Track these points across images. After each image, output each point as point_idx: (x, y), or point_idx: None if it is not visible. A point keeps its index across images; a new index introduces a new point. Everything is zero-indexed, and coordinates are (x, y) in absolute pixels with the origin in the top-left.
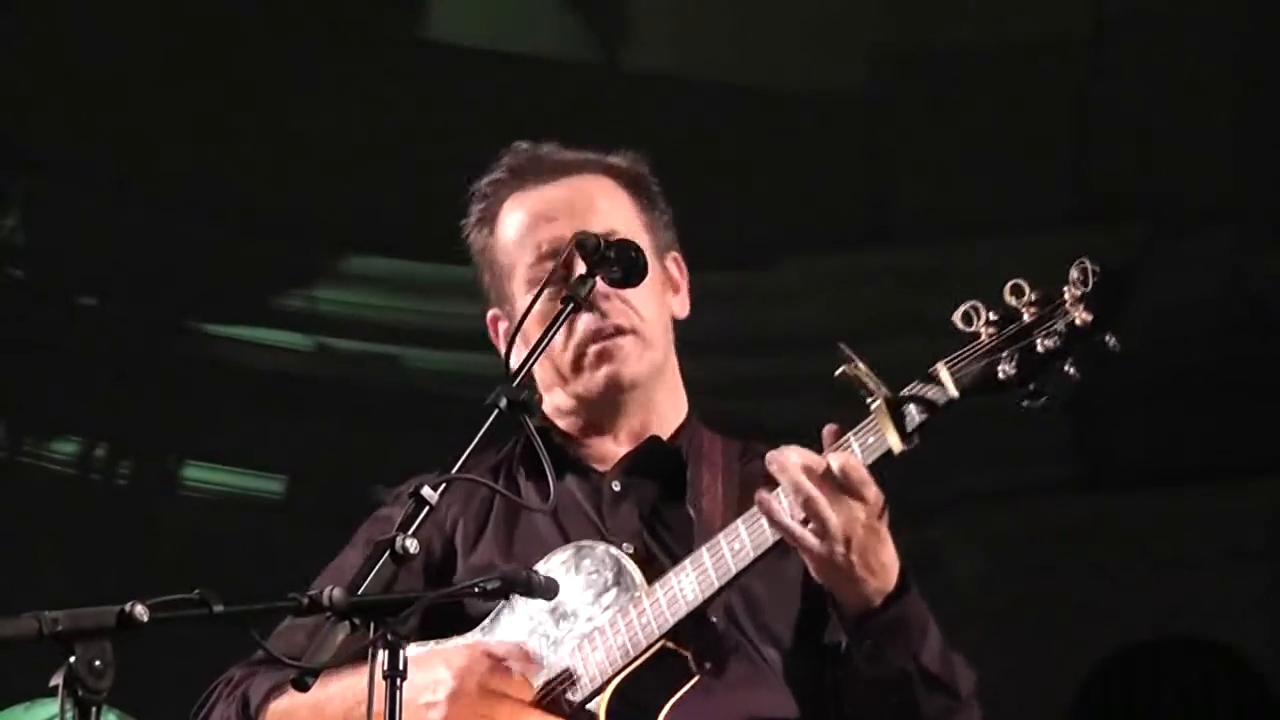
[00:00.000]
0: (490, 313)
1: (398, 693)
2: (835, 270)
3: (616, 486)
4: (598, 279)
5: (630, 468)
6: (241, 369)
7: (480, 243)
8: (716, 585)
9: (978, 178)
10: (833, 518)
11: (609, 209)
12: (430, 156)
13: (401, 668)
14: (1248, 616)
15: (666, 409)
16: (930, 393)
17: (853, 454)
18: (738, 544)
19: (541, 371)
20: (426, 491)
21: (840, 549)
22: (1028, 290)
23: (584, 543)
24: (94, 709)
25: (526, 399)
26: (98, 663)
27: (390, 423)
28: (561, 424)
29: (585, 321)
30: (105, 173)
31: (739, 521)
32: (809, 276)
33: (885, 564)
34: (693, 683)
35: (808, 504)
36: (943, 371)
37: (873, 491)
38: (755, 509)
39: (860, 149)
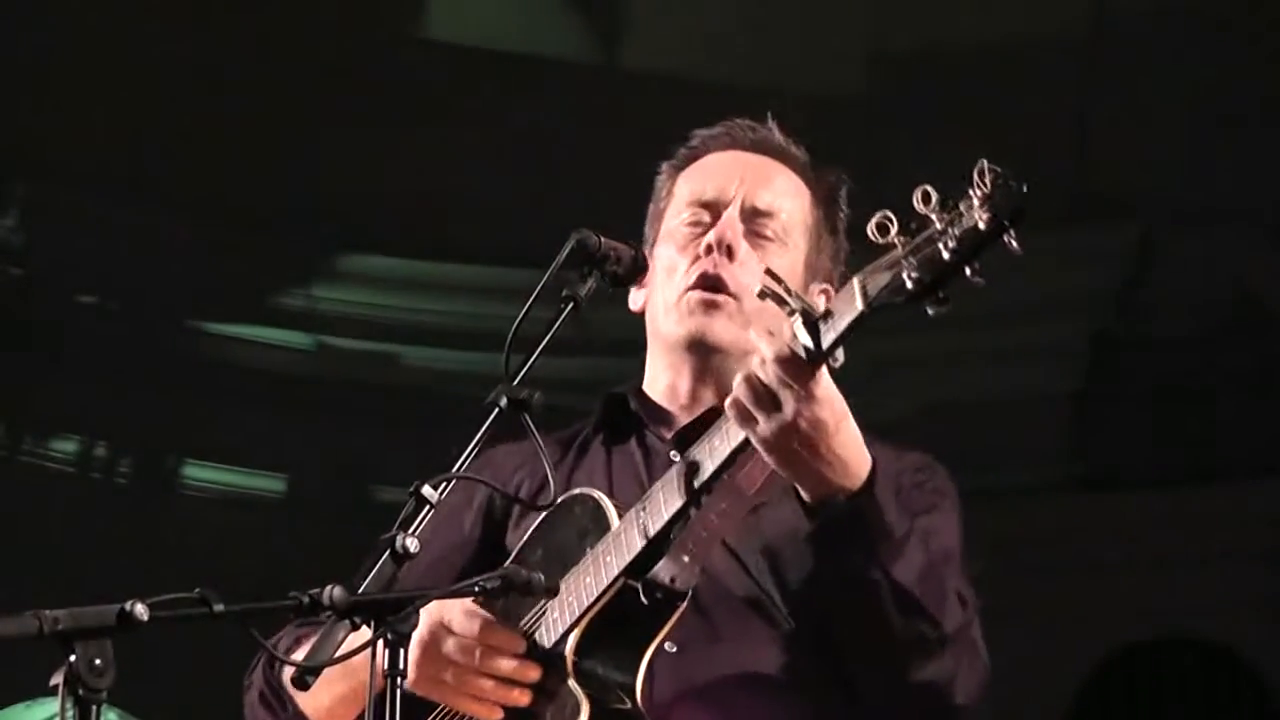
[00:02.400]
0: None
1: (398, 691)
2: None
3: (675, 455)
4: (592, 281)
5: (687, 437)
6: (241, 368)
7: (661, 182)
8: (665, 519)
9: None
10: (765, 404)
11: (783, 194)
12: (430, 156)
13: (402, 666)
14: (1247, 616)
15: None
16: (844, 306)
17: (787, 344)
18: (679, 481)
19: (650, 305)
20: (427, 490)
21: (783, 437)
22: (934, 196)
23: (577, 491)
24: (94, 708)
25: (527, 398)
26: (98, 661)
27: (390, 422)
28: (652, 378)
29: (702, 263)
30: (105, 173)
31: (691, 450)
32: None
33: (844, 457)
34: (678, 614)
35: (747, 385)
36: (855, 284)
37: (814, 382)
38: (700, 443)
39: (860, 149)
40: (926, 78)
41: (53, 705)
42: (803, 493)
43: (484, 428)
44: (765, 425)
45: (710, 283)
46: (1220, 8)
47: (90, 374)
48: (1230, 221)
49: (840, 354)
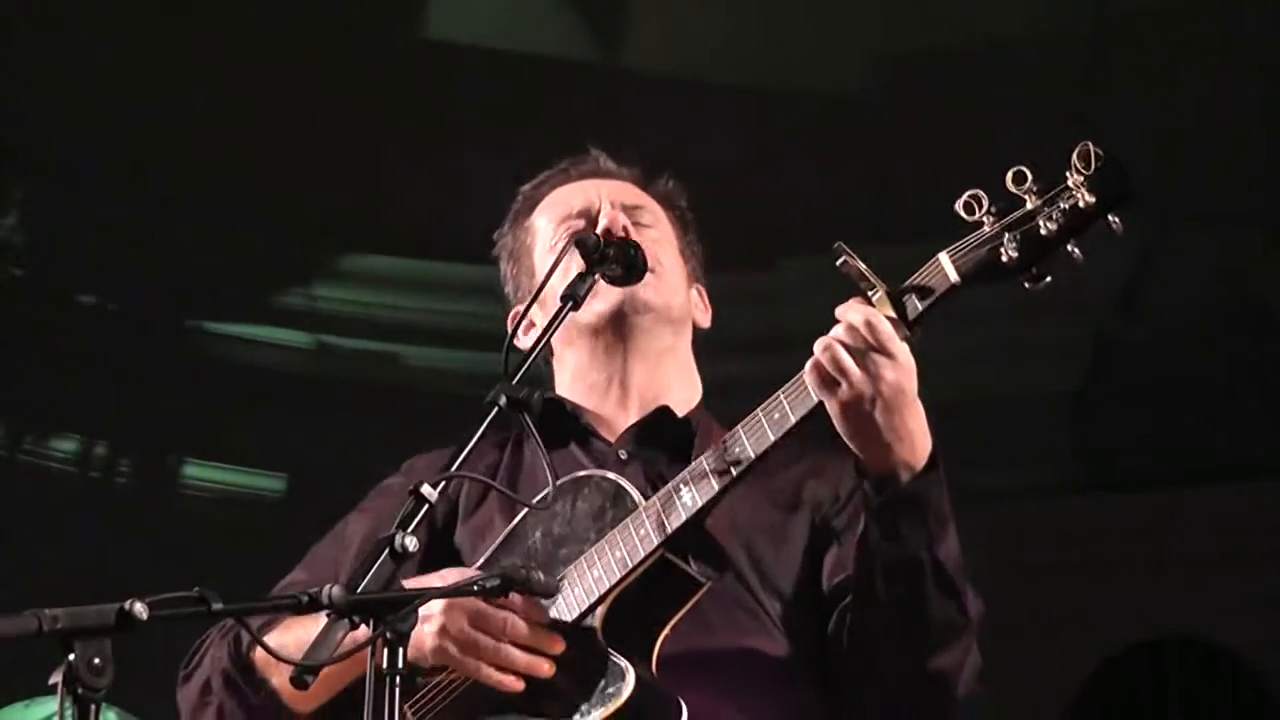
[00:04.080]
0: (512, 311)
1: (397, 691)
2: (835, 270)
3: (623, 455)
4: (597, 277)
5: (638, 437)
6: (241, 367)
7: (509, 237)
8: (716, 489)
9: (978, 178)
10: (853, 368)
11: (639, 196)
12: (430, 156)
13: (401, 665)
14: (1248, 616)
15: (677, 386)
16: (932, 281)
17: (876, 311)
18: (738, 448)
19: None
20: (426, 490)
21: (865, 403)
22: (1030, 177)
23: (581, 473)
24: (93, 707)
25: (526, 397)
26: (97, 660)
27: (390, 422)
28: (574, 386)
29: None
30: (105, 173)
31: (739, 427)
32: (809, 276)
33: (913, 431)
34: (702, 592)
35: (833, 351)
36: (944, 259)
37: (901, 350)
38: (751, 418)
39: (860, 149)
40: (927, 78)
41: (52, 704)
42: (865, 465)
43: (483, 426)
44: (847, 390)
45: None
46: (1220, 8)
47: (90, 374)
48: (1230, 221)
49: (920, 330)
